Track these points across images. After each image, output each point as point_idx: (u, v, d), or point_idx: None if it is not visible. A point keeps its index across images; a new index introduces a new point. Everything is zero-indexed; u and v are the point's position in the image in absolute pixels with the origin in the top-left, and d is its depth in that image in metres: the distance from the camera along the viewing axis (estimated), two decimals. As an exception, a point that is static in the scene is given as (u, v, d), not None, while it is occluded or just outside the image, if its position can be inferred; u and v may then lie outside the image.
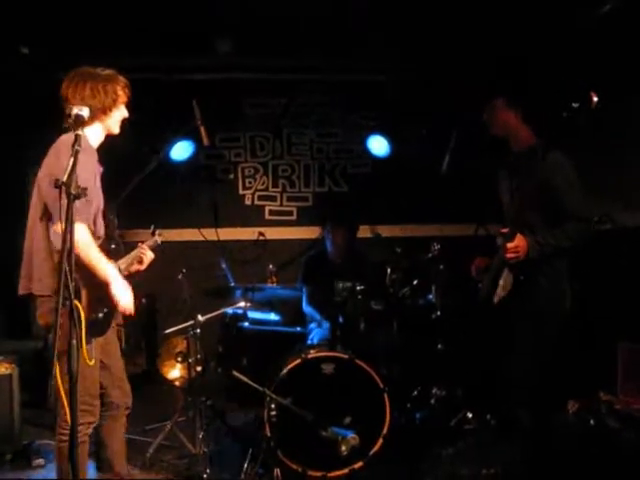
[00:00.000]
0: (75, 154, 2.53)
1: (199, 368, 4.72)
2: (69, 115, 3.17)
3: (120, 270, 3.54)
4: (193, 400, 4.63)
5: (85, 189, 2.87)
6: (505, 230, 3.90)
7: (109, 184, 3.64)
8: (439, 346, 5.37)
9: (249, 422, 4.87)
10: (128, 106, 3.60)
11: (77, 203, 2.96)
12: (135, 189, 5.12)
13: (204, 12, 5.66)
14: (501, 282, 4.00)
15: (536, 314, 3.96)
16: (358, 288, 5.10)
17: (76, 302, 3.02)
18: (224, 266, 5.76)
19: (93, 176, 3.35)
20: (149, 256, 3.78)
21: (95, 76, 3.43)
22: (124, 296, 3.42)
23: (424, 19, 5.78)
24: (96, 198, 3.43)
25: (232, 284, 4.77)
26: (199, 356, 4.71)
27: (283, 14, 5.71)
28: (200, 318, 4.51)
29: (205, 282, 5.75)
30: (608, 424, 4.60)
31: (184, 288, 5.01)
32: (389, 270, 5.31)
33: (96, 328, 3.35)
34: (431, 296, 5.39)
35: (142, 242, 3.85)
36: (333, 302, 5.57)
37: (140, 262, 3.76)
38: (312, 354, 4.64)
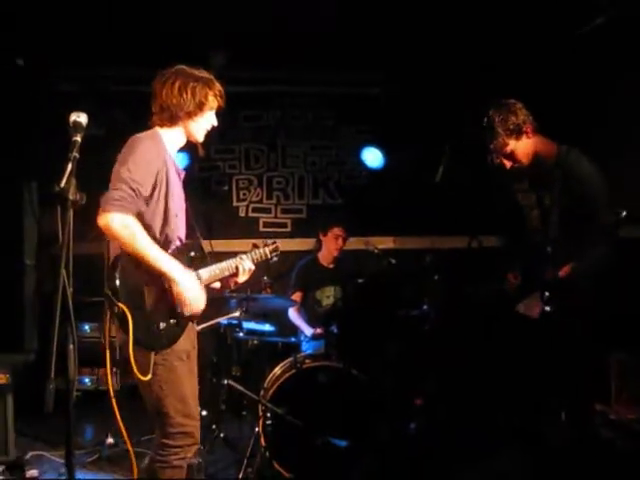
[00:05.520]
0: (72, 160, 2.49)
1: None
2: (154, 112, 3.20)
3: (199, 277, 3.25)
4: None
5: (129, 183, 2.92)
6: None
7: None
8: (432, 356, 5.39)
9: (244, 432, 4.85)
10: (219, 115, 3.36)
11: (118, 193, 2.93)
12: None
13: (200, 25, 5.70)
14: (529, 300, 4.00)
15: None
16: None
17: (122, 306, 2.93)
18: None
19: (153, 175, 3.06)
20: (246, 266, 3.46)
21: (188, 75, 3.22)
22: (189, 293, 3.08)
23: (419, 31, 5.84)
24: (169, 200, 3.14)
25: (226, 294, 4.76)
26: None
27: (278, 28, 5.75)
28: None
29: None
30: (602, 434, 4.61)
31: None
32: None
33: (159, 339, 3.06)
34: (425, 307, 5.40)
35: (248, 252, 3.59)
36: (326, 310, 5.62)
37: (236, 273, 3.44)
38: (307, 364, 4.66)
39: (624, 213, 3.53)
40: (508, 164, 3.94)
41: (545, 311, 3.84)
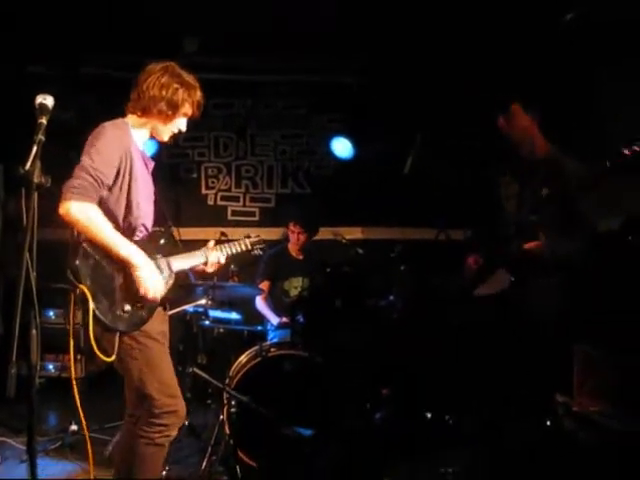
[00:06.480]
0: (38, 143, 2.46)
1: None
2: (131, 98, 3.21)
3: (170, 266, 3.32)
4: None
5: (90, 170, 2.94)
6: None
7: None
8: (399, 346, 5.41)
9: (209, 420, 4.84)
10: (189, 123, 3.40)
11: (78, 181, 2.96)
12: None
13: (173, 11, 5.66)
14: (491, 279, 4.06)
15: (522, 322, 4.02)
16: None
17: (83, 287, 2.96)
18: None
19: (115, 163, 3.07)
20: (212, 258, 3.55)
21: (174, 75, 3.26)
22: (148, 279, 3.10)
23: (391, 22, 5.84)
24: (132, 188, 3.16)
25: (193, 282, 4.74)
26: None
27: (249, 15, 5.73)
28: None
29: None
30: (565, 425, 4.65)
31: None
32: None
33: (124, 321, 3.08)
34: (392, 297, 5.42)
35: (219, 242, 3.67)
36: (293, 300, 5.62)
37: (206, 263, 3.54)
38: (272, 352, 4.66)
39: None
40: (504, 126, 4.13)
41: (510, 281, 3.94)
